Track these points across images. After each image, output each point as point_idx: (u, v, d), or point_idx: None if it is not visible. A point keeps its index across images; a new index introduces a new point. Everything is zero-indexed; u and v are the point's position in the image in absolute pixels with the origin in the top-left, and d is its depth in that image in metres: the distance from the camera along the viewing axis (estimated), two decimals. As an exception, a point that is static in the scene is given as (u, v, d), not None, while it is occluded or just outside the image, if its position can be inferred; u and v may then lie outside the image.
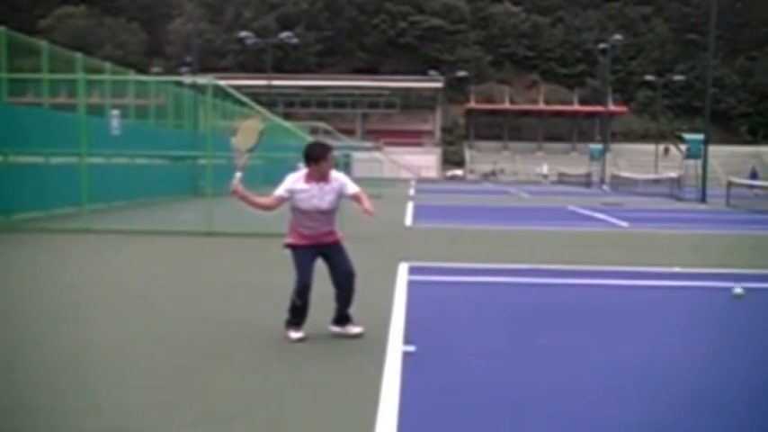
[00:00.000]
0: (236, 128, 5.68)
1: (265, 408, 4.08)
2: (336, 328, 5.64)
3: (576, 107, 70.99)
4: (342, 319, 5.63)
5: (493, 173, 60.80)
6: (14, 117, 14.68)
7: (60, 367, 4.81)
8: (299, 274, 5.49)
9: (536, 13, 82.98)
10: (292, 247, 5.55)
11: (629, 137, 70.98)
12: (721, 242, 13.33)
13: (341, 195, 5.53)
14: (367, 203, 5.49)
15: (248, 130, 5.69)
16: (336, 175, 5.52)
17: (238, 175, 5.51)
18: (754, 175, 40.02)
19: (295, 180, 5.45)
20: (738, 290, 7.62)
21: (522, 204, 25.64)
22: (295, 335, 5.49)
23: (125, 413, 3.94)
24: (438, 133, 69.66)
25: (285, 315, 5.60)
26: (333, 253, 5.56)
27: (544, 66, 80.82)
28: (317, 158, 5.39)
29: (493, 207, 23.35)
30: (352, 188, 5.57)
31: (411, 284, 7.87)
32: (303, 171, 5.49)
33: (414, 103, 71.04)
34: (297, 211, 5.48)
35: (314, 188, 5.40)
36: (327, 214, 5.50)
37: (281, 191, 5.45)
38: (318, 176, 5.41)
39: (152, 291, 7.65)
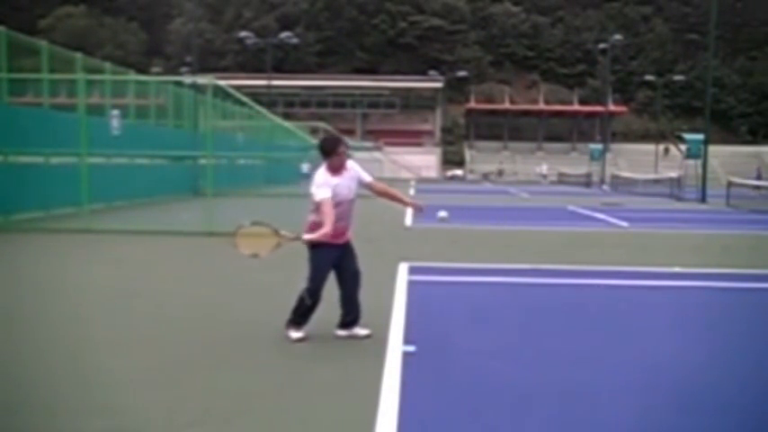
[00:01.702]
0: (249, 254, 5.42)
1: (265, 408, 4.08)
2: (343, 332, 5.60)
3: (576, 107, 70.99)
4: (348, 322, 5.61)
5: (500, 173, 60.89)
6: (14, 117, 14.67)
7: (60, 367, 4.81)
8: (317, 273, 5.48)
9: (536, 13, 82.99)
10: (320, 245, 5.49)
11: (629, 137, 70.98)
12: (721, 242, 13.33)
13: (358, 183, 5.59)
14: (410, 200, 5.78)
15: (260, 237, 5.40)
16: (350, 164, 5.56)
17: (305, 237, 5.38)
18: (759, 177, 40.03)
19: (327, 177, 5.40)
20: (443, 213, 7.61)
21: (522, 204, 25.64)
22: (295, 334, 5.49)
23: (125, 413, 3.94)
24: (438, 133, 69.66)
25: (286, 315, 5.59)
26: (346, 253, 5.60)
27: (544, 66, 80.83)
28: (328, 152, 5.42)
29: (493, 207, 23.35)
30: (367, 176, 5.64)
31: (411, 284, 7.87)
32: (323, 167, 5.48)
33: (414, 103, 71.04)
34: (317, 208, 5.45)
35: (343, 179, 5.43)
36: (352, 204, 5.55)
37: (325, 194, 5.28)
38: (338, 168, 5.43)
39: (152, 291, 7.65)
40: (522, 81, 79.70)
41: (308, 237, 5.37)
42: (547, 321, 6.34)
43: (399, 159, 60.65)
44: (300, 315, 5.54)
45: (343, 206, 5.43)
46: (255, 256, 5.40)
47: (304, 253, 5.56)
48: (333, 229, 5.25)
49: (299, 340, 5.43)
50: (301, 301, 5.51)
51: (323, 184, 5.35)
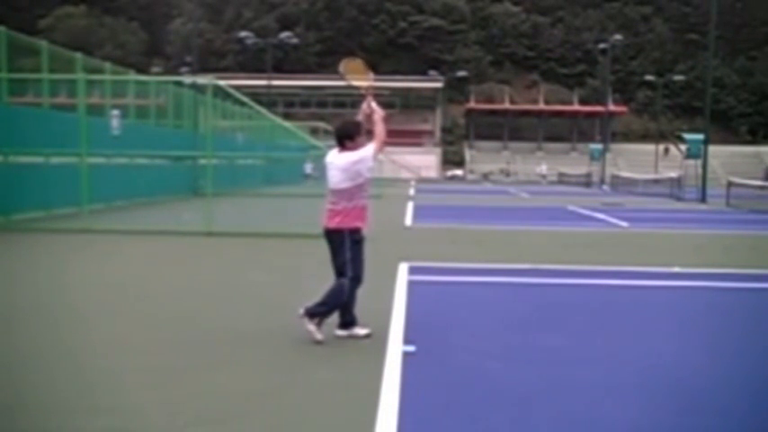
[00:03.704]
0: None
1: (265, 408, 4.08)
2: (343, 332, 5.57)
3: (576, 107, 71.03)
4: (348, 322, 5.59)
5: (506, 173, 60.90)
6: (14, 117, 14.67)
7: (60, 367, 4.81)
8: (362, 262, 5.49)
9: (536, 13, 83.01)
10: (360, 235, 5.50)
11: (629, 137, 71.05)
12: (721, 242, 13.32)
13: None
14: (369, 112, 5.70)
15: (356, 71, 5.95)
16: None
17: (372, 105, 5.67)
18: (767, 177, 40.04)
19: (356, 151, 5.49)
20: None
21: (521, 204, 25.64)
22: (320, 336, 5.37)
23: (125, 413, 3.94)
24: (438, 133, 69.69)
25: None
26: None
27: (544, 66, 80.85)
28: (353, 135, 5.49)
29: (493, 207, 23.35)
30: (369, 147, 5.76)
31: (411, 284, 7.86)
32: (336, 151, 5.52)
33: (414, 103, 71.07)
34: (367, 184, 5.51)
35: None
36: None
37: (371, 149, 5.51)
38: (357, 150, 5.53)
39: (152, 291, 7.64)
40: (522, 81, 79.72)
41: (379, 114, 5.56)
42: (547, 321, 6.33)
43: (399, 159, 60.57)
44: (330, 310, 5.41)
45: (368, 185, 5.51)
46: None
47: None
48: (366, 217, 5.50)
49: (319, 342, 5.31)
50: (340, 294, 5.39)
51: (362, 152, 5.41)
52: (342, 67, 5.97)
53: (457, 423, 3.86)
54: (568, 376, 4.70)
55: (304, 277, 8.07)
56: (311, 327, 5.37)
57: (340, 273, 5.49)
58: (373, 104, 5.68)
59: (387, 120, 5.76)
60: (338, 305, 5.46)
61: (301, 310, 5.39)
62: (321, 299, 5.44)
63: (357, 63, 6.04)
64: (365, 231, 5.57)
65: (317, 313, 5.40)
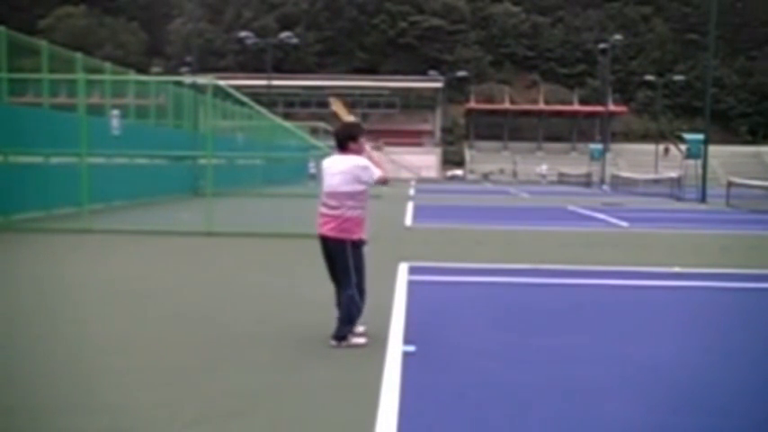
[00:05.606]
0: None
1: (265, 408, 4.08)
2: (335, 342, 5.51)
3: (576, 107, 70.98)
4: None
5: (514, 173, 60.82)
6: (14, 117, 14.67)
7: (60, 367, 4.81)
8: (363, 275, 5.42)
9: (536, 13, 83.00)
10: (362, 244, 5.45)
11: (629, 137, 71.01)
12: (721, 242, 13.32)
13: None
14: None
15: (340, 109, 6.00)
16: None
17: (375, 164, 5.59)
18: None
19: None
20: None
21: (521, 204, 25.64)
22: (363, 339, 5.38)
23: (125, 413, 3.95)
24: (438, 133, 69.65)
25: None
26: None
27: (544, 66, 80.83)
28: (356, 137, 5.42)
29: (493, 207, 23.34)
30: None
31: (411, 284, 7.87)
32: (340, 155, 5.44)
33: (414, 103, 71.08)
34: (366, 195, 5.44)
35: None
36: None
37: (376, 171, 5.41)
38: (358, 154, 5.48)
39: (151, 291, 7.64)
40: (522, 81, 79.70)
41: (377, 168, 5.40)
42: (546, 321, 6.34)
43: (399, 159, 60.61)
44: (353, 322, 5.37)
45: (366, 196, 5.43)
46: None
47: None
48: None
49: (362, 345, 5.33)
50: (354, 305, 5.33)
51: (369, 166, 5.33)
52: (333, 106, 6.08)
53: (457, 423, 3.86)
54: (568, 376, 4.71)
55: (304, 278, 8.07)
56: (351, 342, 5.33)
57: (340, 280, 5.39)
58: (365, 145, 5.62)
59: (380, 141, 5.78)
60: (358, 314, 5.39)
61: (333, 342, 5.31)
62: (339, 321, 5.36)
63: (339, 105, 6.10)
64: (365, 236, 5.52)
65: (346, 332, 5.35)
